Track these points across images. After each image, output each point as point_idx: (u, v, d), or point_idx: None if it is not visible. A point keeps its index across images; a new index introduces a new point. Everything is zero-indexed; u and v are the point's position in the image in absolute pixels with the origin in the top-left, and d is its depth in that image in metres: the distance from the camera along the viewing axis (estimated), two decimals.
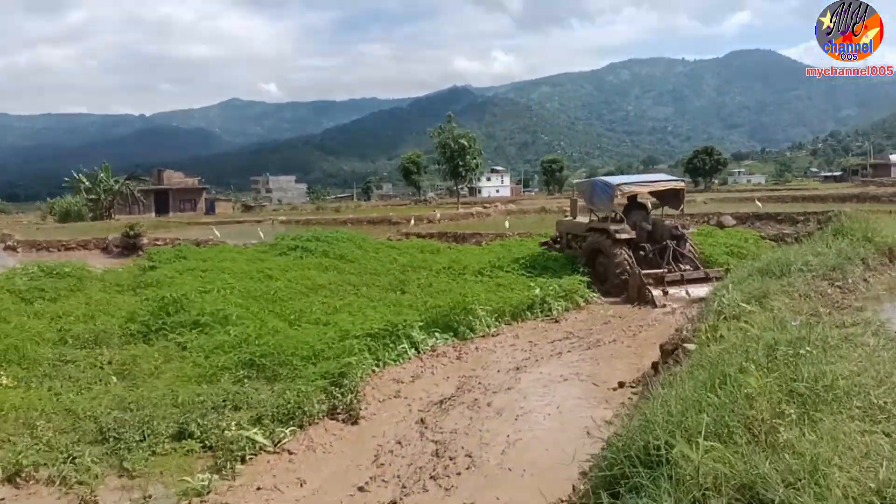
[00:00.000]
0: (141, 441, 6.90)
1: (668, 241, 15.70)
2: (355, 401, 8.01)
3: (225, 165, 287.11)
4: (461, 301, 11.76)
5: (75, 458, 6.53)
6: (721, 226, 23.89)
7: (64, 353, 9.98)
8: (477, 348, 10.91)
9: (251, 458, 6.70)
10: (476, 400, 8.40)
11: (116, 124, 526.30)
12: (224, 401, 7.88)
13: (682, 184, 17.58)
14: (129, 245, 28.97)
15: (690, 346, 7.25)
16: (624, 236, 15.46)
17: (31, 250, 31.85)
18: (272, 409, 7.60)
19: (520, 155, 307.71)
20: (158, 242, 28.80)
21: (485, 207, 38.43)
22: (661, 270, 15.06)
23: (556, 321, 12.69)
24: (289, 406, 7.64)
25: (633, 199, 17.22)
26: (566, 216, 19.38)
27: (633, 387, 8.53)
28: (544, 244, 19.09)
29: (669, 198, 17.13)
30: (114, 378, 9.02)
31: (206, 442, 6.89)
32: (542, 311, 12.94)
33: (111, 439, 6.93)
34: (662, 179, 17.93)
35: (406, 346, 10.26)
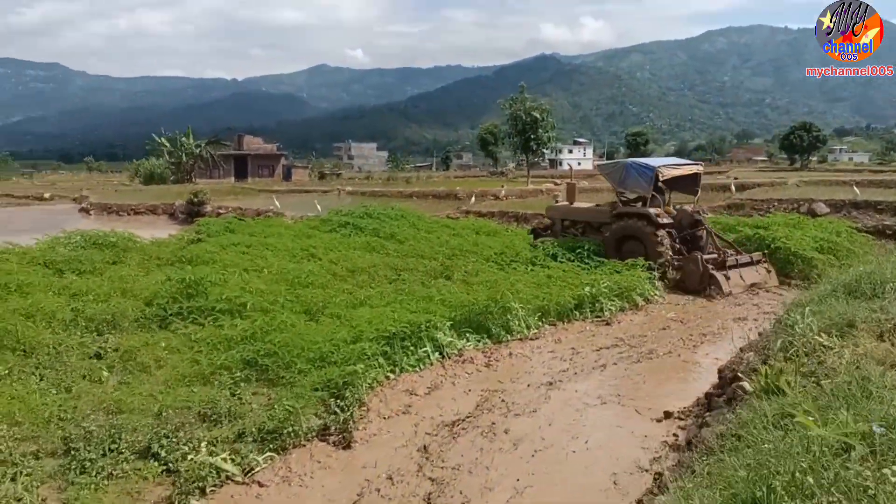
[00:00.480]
0: (102, 456, 6.12)
1: (704, 227, 15.31)
2: (351, 420, 7.01)
3: (311, 131, 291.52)
4: (498, 297, 10.55)
5: (20, 475, 5.81)
6: (813, 214, 21.55)
7: (65, 339, 9.39)
8: (510, 354, 9.73)
9: (213, 490, 5.80)
10: (493, 424, 7.25)
11: (210, 88, 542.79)
12: (207, 411, 7.05)
13: (701, 167, 16.69)
14: (193, 212, 28.97)
15: (747, 387, 5.92)
16: (666, 220, 14.79)
17: (102, 213, 32.43)
18: (257, 425, 6.71)
19: (606, 126, 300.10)
20: (221, 210, 28.68)
21: (556, 184, 36.61)
22: (713, 255, 14.38)
23: (608, 323, 11.33)
24: (274, 422, 6.73)
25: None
26: (557, 201, 18.00)
27: (680, 419, 7.22)
28: (533, 232, 17.92)
29: (688, 183, 16.04)
30: (105, 372, 8.34)
31: (170, 465, 6.03)
32: (591, 312, 11.61)
33: (71, 453, 6.19)
34: (686, 163, 16.73)
35: (429, 349, 9.18)
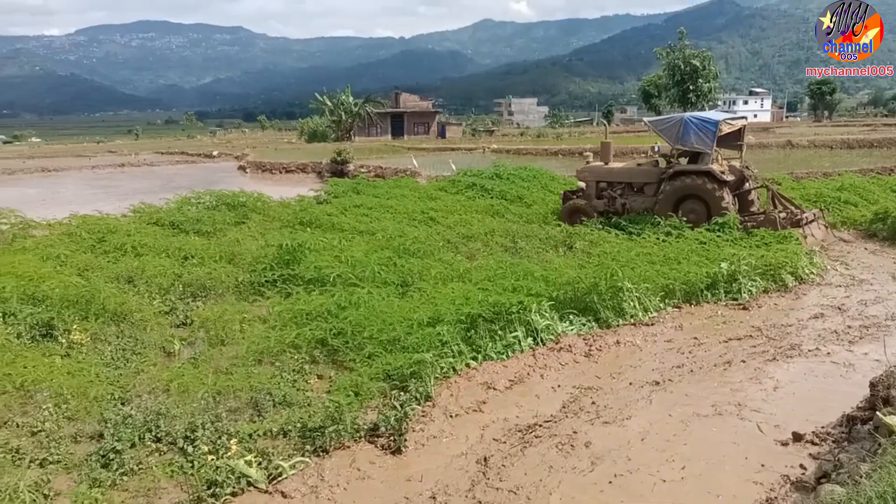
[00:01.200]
0: (131, 446, 5.70)
1: (764, 184, 15.03)
2: (405, 419, 6.13)
3: (474, 88, 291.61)
4: (609, 275, 9.18)
5: (46, 462, 5.51)
6: None
7: (154, 307, 9.29)
8: (618, 342, 8.39)
9: (227, 499, 5.16)
10: (574, 434, 6.08)
11: (379, 47, 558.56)
12: (261, 397, 6.48)
13: (746, 120, 15.79)
14: (337, 171, 29.27)
15: (891, 421, 4.42)
16: (730, 177, 14.07)
17: (257, 171, 33.77)
18: (303, 420, 6.03)
19: (789, 74, 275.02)
20: (363, 169, 28.74)
21: None
22: (783, 214, 13.66)
23: (745, 308, 9.57)
24: (320, 418, 6.01)
25: None
26: (588, 162, 16.44)
27: (814, 443, 5.68)
28: (564, 197, 16.30)
29: (732, 138, 15.01)
30: (176, 345, 8.05)
31: (195, 462, 5.47)
32: (727, 293, 9.91)
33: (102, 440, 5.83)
34: (735, 117, 15.57)
35: (519, 334, 8.08)
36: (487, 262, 10.53)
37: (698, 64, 41.66)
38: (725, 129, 14.16)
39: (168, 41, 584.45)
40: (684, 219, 13.34)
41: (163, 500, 5.15)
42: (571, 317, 8.83)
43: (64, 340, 8.05)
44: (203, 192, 16.88)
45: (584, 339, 8.40)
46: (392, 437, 5.99)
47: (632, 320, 8.99)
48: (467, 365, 7.50)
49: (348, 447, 5.93)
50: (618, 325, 8.86)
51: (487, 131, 66.82)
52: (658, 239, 12.04)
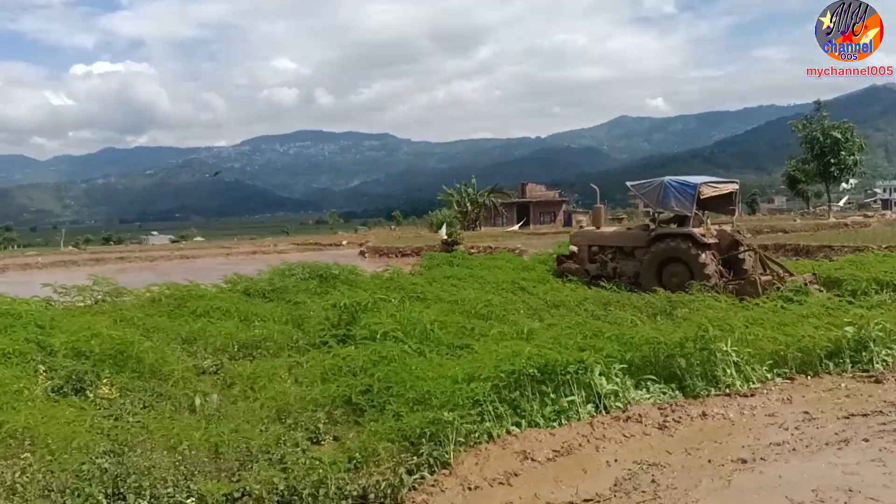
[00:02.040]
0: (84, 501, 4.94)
1: (752, 248, 14.46)
2: (401, 488, 5.00)
3: (610, 181, 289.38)
4: (699, 333, 7.67)
5: None
6: None
7: (191, 363, 8.79)
8: (704, 414, 6.81)
9: None
10: None
11: (515, 147, 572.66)
12: (251, 457, 5.61)
13: (737, 185, 15.44)
14: (448, 251, 28.90)
15: None
16: (711, 240, 13.95)
17: (375, 255, 34.19)
18: (286, 482, 5.06)
19: None
20: (473, 250, 28.23)
21: (866, 216, 30.10)
22: (767, 277, 13.30)
23: (877, 381, 7.64)
24: (303, 479, 5.01)
25: None
26: (581, 227, 17.58)
27: None
28: (558, 261, 16.57)
29: (724, 202, 15.12)
30: (198, 400, 7.38)
31: None
32: (854, 363, 8.03)
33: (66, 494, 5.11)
34: (723, 181, 15.35)
35: (577, 398, 6.74)
36: (559, 322, 9.28)
37: (839, 136, 38.17)
38: (708, 193, 14.26)
39: (321, 148, 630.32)
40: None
41: None
42: (649, 384, 7.38)
43: (91, 394, 7.64)
44: (296, 264, 16.78)
45: (659, 409, 6.90)
46: None
47: (726, 390, 7.38)
48: (508, 431, 6.27)
49: None
50: (707, 396, 7.29)
51: (617, 219, 65.04)
52: (776, 305, 10.29)
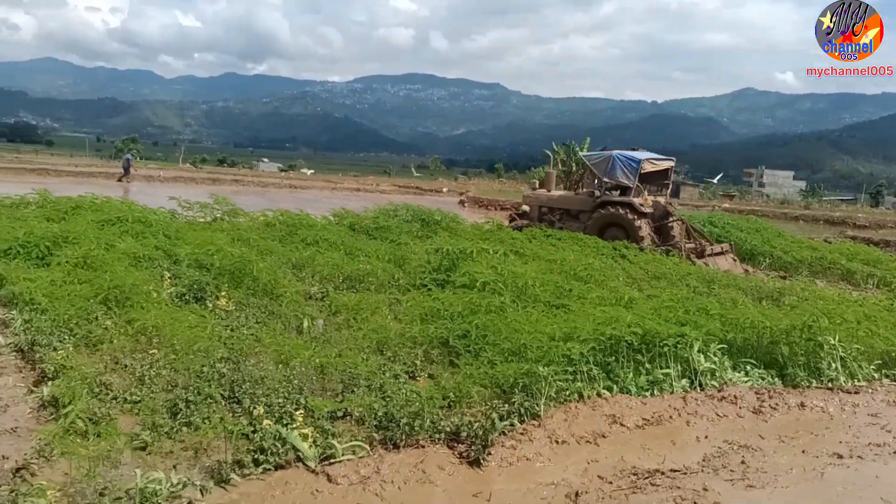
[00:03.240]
0: (205, 401, 5.39)
1: (679, 219, 16.31)
2: (492, 431, 5.20)
3: (724, 156, 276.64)
4: (807, 322, 7.45)
5: (125, 401, 5.40)
6: None
7: (301, 288, 9.28)
8: (802, 405, 6.64)
9: (267, 470, 4.61)
10: (702, 491, 4.66)
11: (628, 110, 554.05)
12: (358, 382, 5.95)
13: (672, 162, 17.45)
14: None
15: None
16: (648, 210, 15.85)
17: (474, 205, 34.36)
18: (384, 409, 5.36)
19: None
20: None
21: None
22: (692, 245, 15.39)
23: None
24: (402, 411, 5.30)
25: None
26: (534, 189, 19.22)
27: None
28: (510, 218, 18.70)
29: (660, 177, 17.04)
30: (305, 322, 7.81)
31: (255, 424, 5.01)
32: None
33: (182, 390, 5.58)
34: (662, 158, 17.17)
35: (673, 371, 6.74)
36: (659, 294, 9.19)
37: None
38: (648, 168, 16.07)
39: (431, 93, 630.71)
40: None
41: (208, 456, 4.74)
42: (748, 367, 7.27)
43: (210, 304, 8.22)
44: (401, 206, 17.14)
45: (756, 394, 6.80)
46: (473, 447, 5.09)
47: (829, 384, 7.18)
48: (598, 394, 6.36)
49: (423, 446, 5.14)
50: (808, 387, 7.12)
51: (727, 195, 62.41)
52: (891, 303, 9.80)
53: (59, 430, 4.57)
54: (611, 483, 4.87)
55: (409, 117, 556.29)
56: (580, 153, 19.04)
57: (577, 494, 4.64)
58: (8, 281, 8.20)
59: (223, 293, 8.35)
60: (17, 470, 4.22)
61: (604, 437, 5.71)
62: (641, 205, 15.84)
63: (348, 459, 4.82)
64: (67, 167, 36.60)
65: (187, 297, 8.45)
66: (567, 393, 6.12)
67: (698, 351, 6.93)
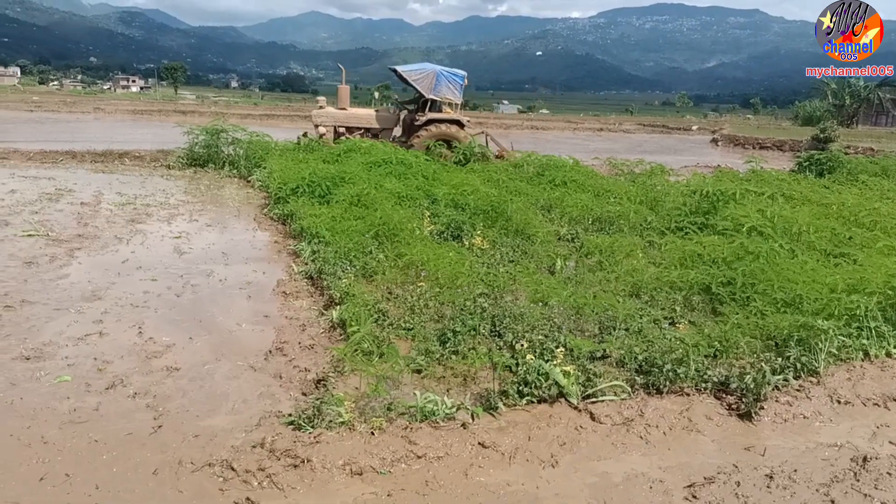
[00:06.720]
0: (470, 332, 5.71)
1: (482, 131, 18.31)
2: (765, 384, 4.88)
3: None
4: None
5: (404, 328, 5.88)
6: None
7: (552, 229, 9.34)
8: None
9: (534, 404, 4.77)
10: None
11: None
12: (612, 325, 5.93)
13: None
14: (817, 147, 25.78)
15: None
16: (468, 121, 17.33)
17: (729, 144, 31.99)
18: (645, 354, 5.28)
19: None
20: (849, 150, 24.71)
21: None
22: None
23: None
24: (664, 354, 5.19)
25: None
26: (322, 107, 17.90)
27: None
28: (298, 140, 17.20)
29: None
30: (558, 263, 7.88)
31: (518, 358, 5.20)
32: None
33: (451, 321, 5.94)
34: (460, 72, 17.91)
35: None
36: None
37: None
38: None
39: (680, 24, 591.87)
40: None
41: (476, 384, 5.03)
42: None
43: (466, 242, 8.62)
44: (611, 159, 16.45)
45: None
46: (744, 400, 4.84)
47: None
48: (888, 354, 5.70)
49: (687, 395, 4.99)
50: None
51: None
52: None
53: (349, 349, 5.11)
54: (877, 459, 4.37)
55: (654, 51, 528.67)
56: (399, 68, 17.62)
57: (864, 459, 4.24)
58: (297, 216, 9.27)
59: (478, 232, 8.70)
60: (319, 381, 4.82)
61: (887, 398, 5.12)
62: (469, 120, 16.75)
63: (610, 400, 4.83)
64: None
65: (446, 235, 8.93)
66: (850, 350, 5.57)
67: None
